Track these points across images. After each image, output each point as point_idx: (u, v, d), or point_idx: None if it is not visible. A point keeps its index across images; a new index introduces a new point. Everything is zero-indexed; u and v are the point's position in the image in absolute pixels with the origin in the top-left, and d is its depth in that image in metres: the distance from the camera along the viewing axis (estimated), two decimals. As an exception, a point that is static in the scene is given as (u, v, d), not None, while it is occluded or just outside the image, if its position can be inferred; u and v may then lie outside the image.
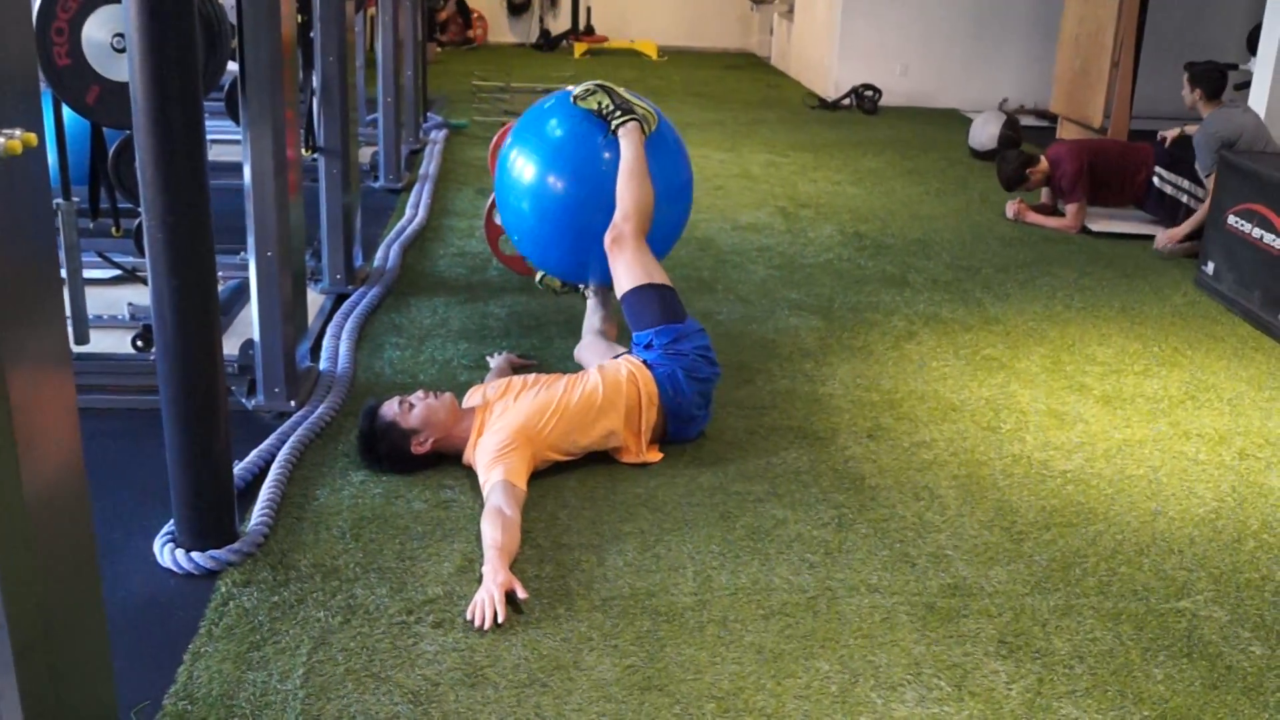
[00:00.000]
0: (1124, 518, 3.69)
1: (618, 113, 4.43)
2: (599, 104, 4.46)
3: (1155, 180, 7.41)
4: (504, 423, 3.70)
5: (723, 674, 2.82)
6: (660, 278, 4.22)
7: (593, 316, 4.81)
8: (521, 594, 3.04)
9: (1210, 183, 6.68)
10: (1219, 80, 7.22)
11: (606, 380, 3.89)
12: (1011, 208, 7.77)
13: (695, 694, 2.74)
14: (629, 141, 4.38)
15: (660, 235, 4.52)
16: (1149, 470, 4.03)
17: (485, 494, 3.47)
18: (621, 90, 4.53)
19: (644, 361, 4.02)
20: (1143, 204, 7.57)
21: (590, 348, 4.60)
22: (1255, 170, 5.89)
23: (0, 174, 1.84)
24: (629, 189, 4.31)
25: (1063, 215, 7.60)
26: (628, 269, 4.22)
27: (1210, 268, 6.17)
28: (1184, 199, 7.26)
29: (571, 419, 3.76)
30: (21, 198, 1.89)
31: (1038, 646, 2.99)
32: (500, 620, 2.95)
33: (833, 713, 2.70)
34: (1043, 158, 7.72)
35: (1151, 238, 7.21)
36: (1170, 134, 7.80)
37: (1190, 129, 7.44)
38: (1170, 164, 7.40)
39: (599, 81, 4.56)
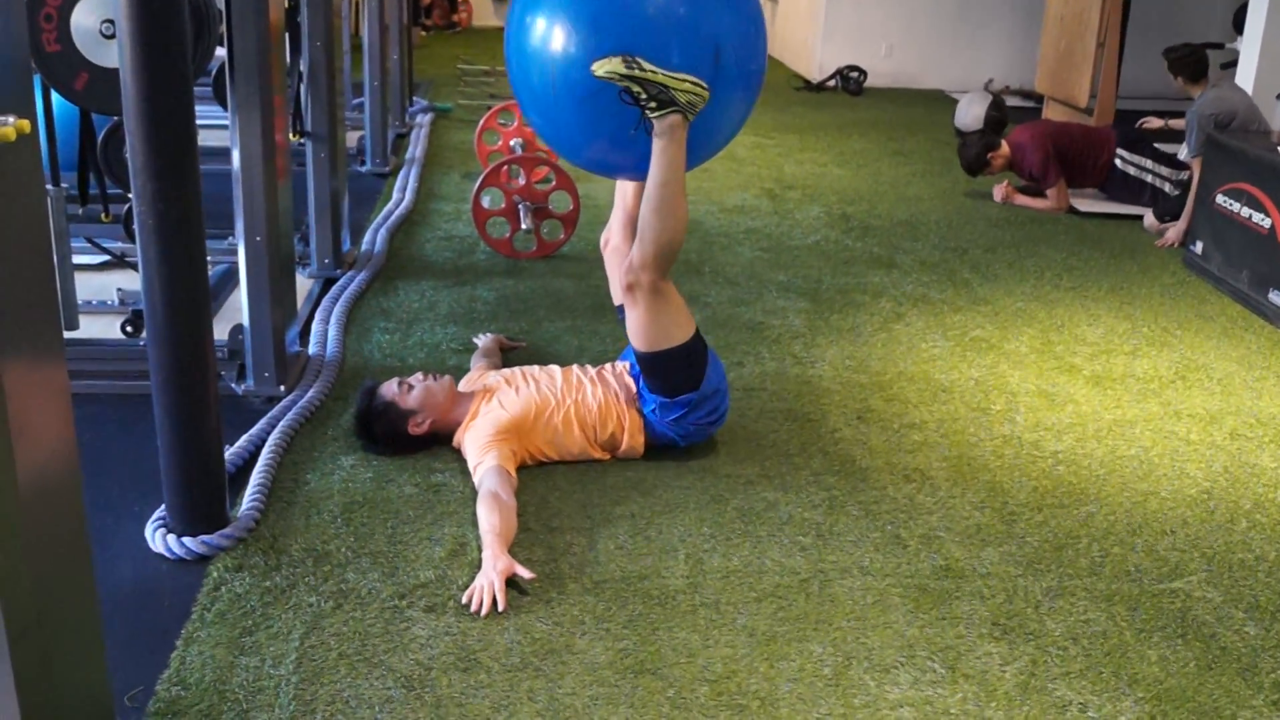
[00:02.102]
0: (1116, 498, 3.69)
1: (653, 104, 3.37)
2: (628, 87, 3.35)
3: (1118, 162, 7.42)
4: (499, 413, 3.68)
5: (715, 657, 2.82)
6: (680, 334, 3.66)
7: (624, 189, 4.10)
8: (527, 575, 3.04)
9: (1196, 165, 6.67)
10: (1197, 64, 7.21)
11: (602, 413, 3.76)
12: (999, 191, 7.76)
13: (688, 677, 2.74)
14: (664, 145, 3.44)
15: (715, 128, 3.63)
16: (1140, 450, 4.04)
17: (476, 479, 3.46)
18: (655, 70, 3.32)
19: (640, 413, 3.81)
20: (1105, 186, 7.58)
21: (617, 247, 4.06)
22: (1243, 149, 5.89)
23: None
24: (655, 220, 3.51)
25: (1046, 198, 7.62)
26: (641, 327, 3.65)
27: (1199, 247, 6.18)
28: (1148, 179, 7.27)
29: (562, 425, 3.72)
30: (15, 185, 1.88)
31: (1031, 628, 2.99)
32: (501, 607, 2.94)
33: (826, 696, 2.71)
34: (1004, 142, 7.71)
35: (1139, 218, 7.22)
36: (1153, 124, 7.79)
37: (1175, 124, 7.42)
38: (1131, 145, 7.41)
39: (626, 61, 3.31)
